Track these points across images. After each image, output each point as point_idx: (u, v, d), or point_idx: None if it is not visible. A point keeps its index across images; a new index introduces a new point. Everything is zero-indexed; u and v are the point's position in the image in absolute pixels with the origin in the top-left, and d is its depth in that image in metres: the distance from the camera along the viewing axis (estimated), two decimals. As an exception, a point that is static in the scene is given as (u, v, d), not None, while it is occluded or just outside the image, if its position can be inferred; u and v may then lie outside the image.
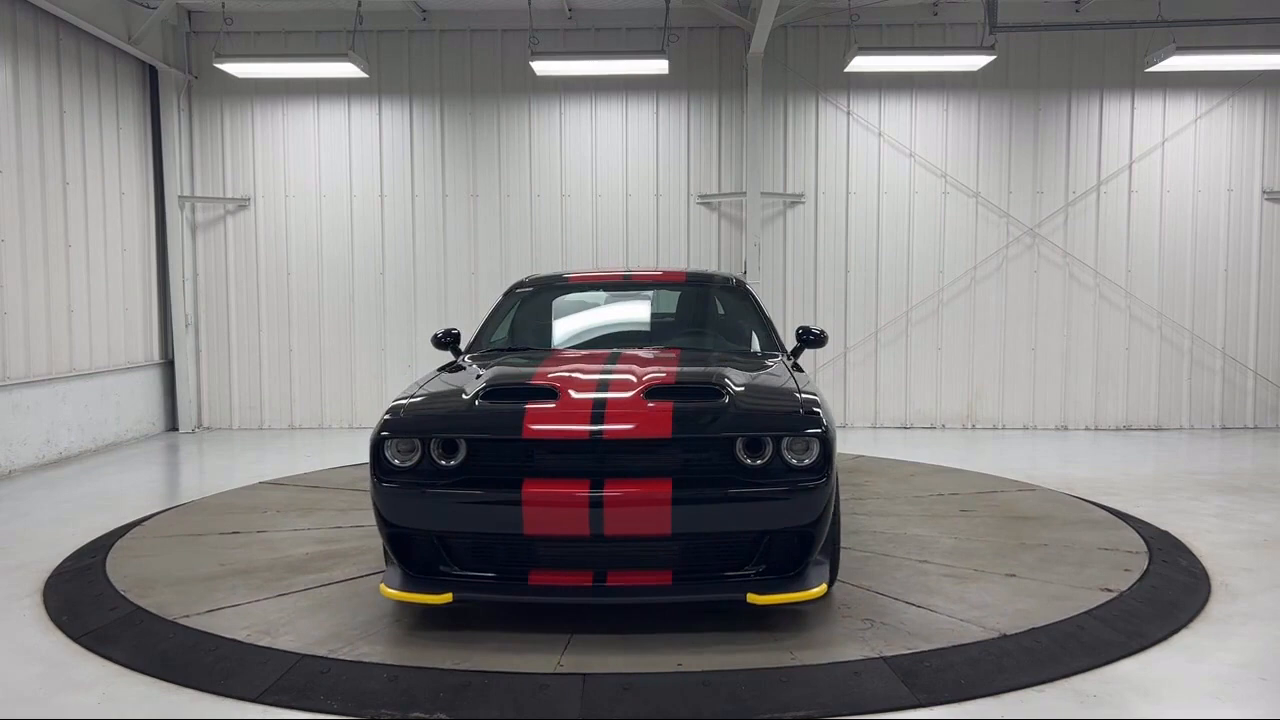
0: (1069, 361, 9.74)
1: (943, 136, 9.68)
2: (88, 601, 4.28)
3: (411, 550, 3.76)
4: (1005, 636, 3.77)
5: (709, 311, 5.62)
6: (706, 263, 9.76)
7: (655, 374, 4.10)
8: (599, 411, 3.74)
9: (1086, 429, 9.71)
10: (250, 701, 3.27)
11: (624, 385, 3.96)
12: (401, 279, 9.83)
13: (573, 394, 3.89)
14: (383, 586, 3.77)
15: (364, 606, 4.11)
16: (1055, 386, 9.73)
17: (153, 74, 9.48)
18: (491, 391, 3.93)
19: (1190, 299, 9.71)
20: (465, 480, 3.69)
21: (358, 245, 9.83)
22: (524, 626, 3.84)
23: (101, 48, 8.67)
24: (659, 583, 3.69)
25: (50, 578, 4.67)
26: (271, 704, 3.24)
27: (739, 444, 3.68)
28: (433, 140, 9.76)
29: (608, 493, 3.56)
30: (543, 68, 8.59)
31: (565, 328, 5.51)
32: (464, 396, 3.94)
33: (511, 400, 3.87)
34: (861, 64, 8.62)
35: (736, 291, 5.66)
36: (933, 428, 9.74)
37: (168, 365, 9.76)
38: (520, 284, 5.70)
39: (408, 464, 3.73)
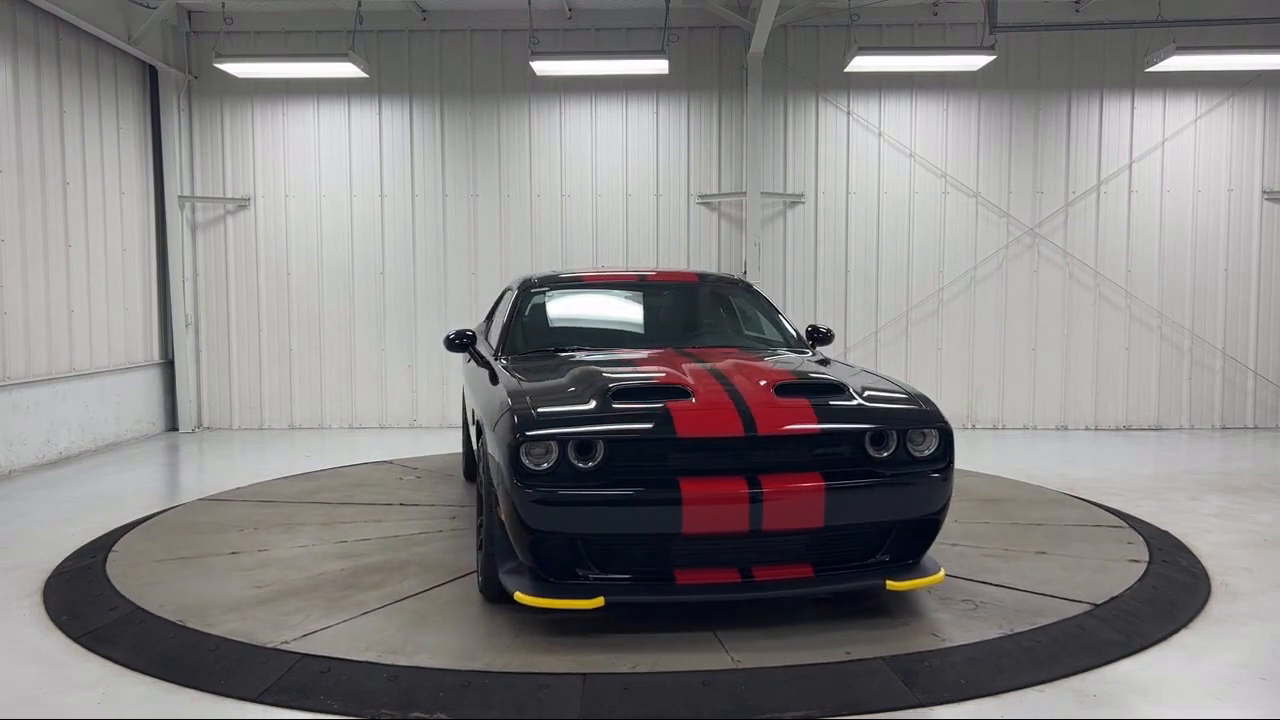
0: (1069, 361, 9.74)
1: (943, 136, 9.68)
2: (88, 601, 4.28)
3: (553, 555, 3.64)
4: (1096, 607, 4.09)
5: (730, 311, 5.73)
6: (707, 263, 9.76)
7: (758, 371, 4.23)
8: (744, 409, 3.77)
9: (1086, 429, 9.71)
10: (250, 701, 3.27)
11: (748, 382, 4.02)
12: (401, 279, 9.83)
13: (706, 392, 3.89)
14: (519, 594, 3.64)
15: (471, 618, 3.97)
16: (1055, 386, 9.73)
17: (153, 74, 9.48)
18: (621, 391, 3.85)
19: (1190, 299, 9.71)
20: (614, 481, 3.60)
21: (358, 245, 9.83)
22: (662, 625, 3.82)
23: (101, 48, 8.67)
24: (802, 575, 3.76)
25: (50, 578, 4.67)
26: (272, 704, 3.24)
27: (867, 437, 3.82)
28: (433, 140, 9.76)
29: (767, 488, 3.60)
30: (543, 68, 8.59)
31: (597, 327, 5.48)
32: (589, 397, 3.85)
33: (646, 399, 3.82)
34: (861, 64, 8.62)
35: (748, 292, 5.84)
36: (933, 428, 9.72)
37: (168, 365, 9.76)
38: (533, 283, 5.57)
39: (543, 467, 3.59)
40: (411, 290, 9.81)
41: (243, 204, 9.80)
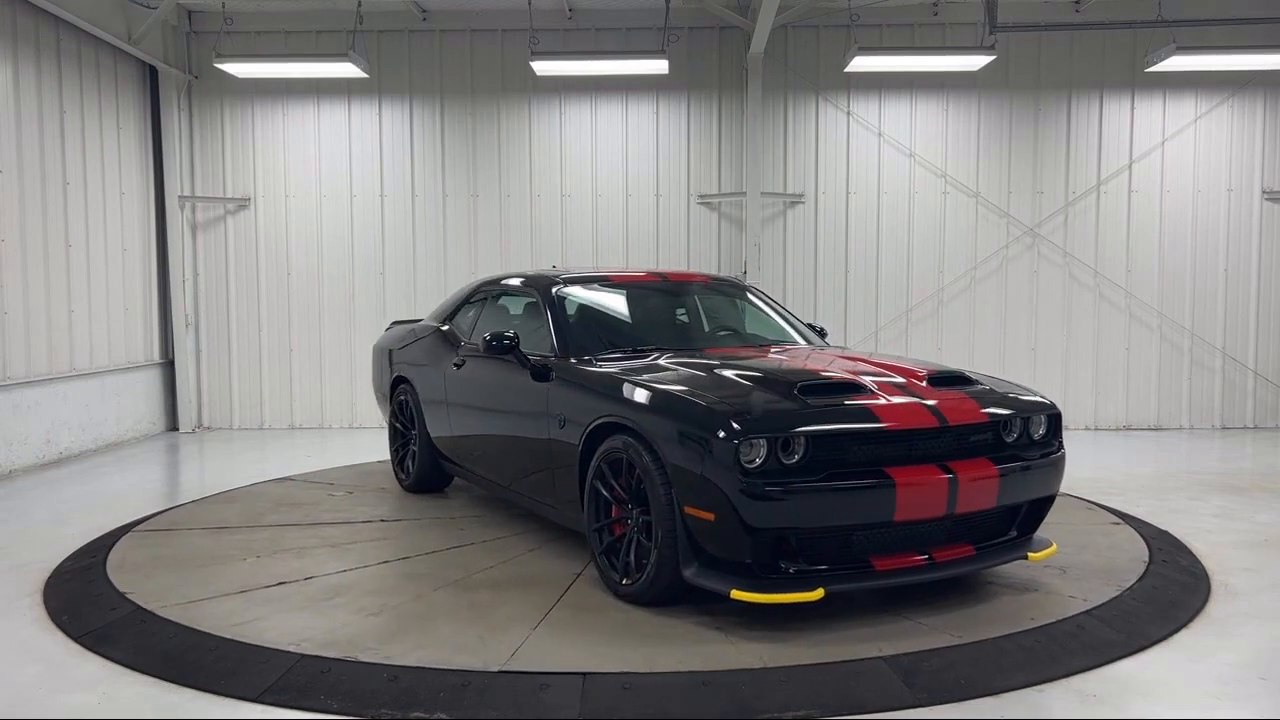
0: (1069, 361, 9.74)
1: (943, 136, 9.68)
2: (88, 601, 4.27)
3: (767, 551, 3.68)
4: (1150, 565, 4.66)
5: (755, 310, 5.88)
6: (707, 263, 9.76)
7: (892, 365, 4.52)
8: (929, 402, 4.02)
9: (1086, 429, 9.71)
10: (250, 701, 3.26)
11: (904, 377, 4.30)
12: (401, 279, 9.83)
13: (882, 387, 4.11)
14: (736, 592, 3.63)
15: (649, 621, 3.91)
16: (1055, 386, 9.72)
17: (153, 74, 9.48)
18: (807, 387, 4.00)
19: (1190, 299, 9.71)
20: (826, 475, 3.68)
21: (358, 245, 9.83)
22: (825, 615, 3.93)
23: (101, 48, 8.67)
24: (967, 555, 4.02)
25: (50, 578, 4.66)
26: (272, 704, 3.24)
27: (1002, 423, 4.12)
28: (433, 140, 9.76)
29: (960, 474, 3.83)
30: (543, 68, 8.59)
31: (648, 326, 5.47)
32: (778, 395, 3.96)
33: (837, 395, 3.99)
34: (861, 64, 8.62)
35: (756, 292, 6.05)
36: (933, 428, 9.73)
37: (168, 365, 9.76)
38: (556, 281, 5.47)
39: (755, 465, 3.64)
40: (412, 290, 9.81)
41: (243, 204, 9.80)
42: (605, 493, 4.26)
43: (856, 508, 3.71)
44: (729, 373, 4.36)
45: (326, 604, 4.16)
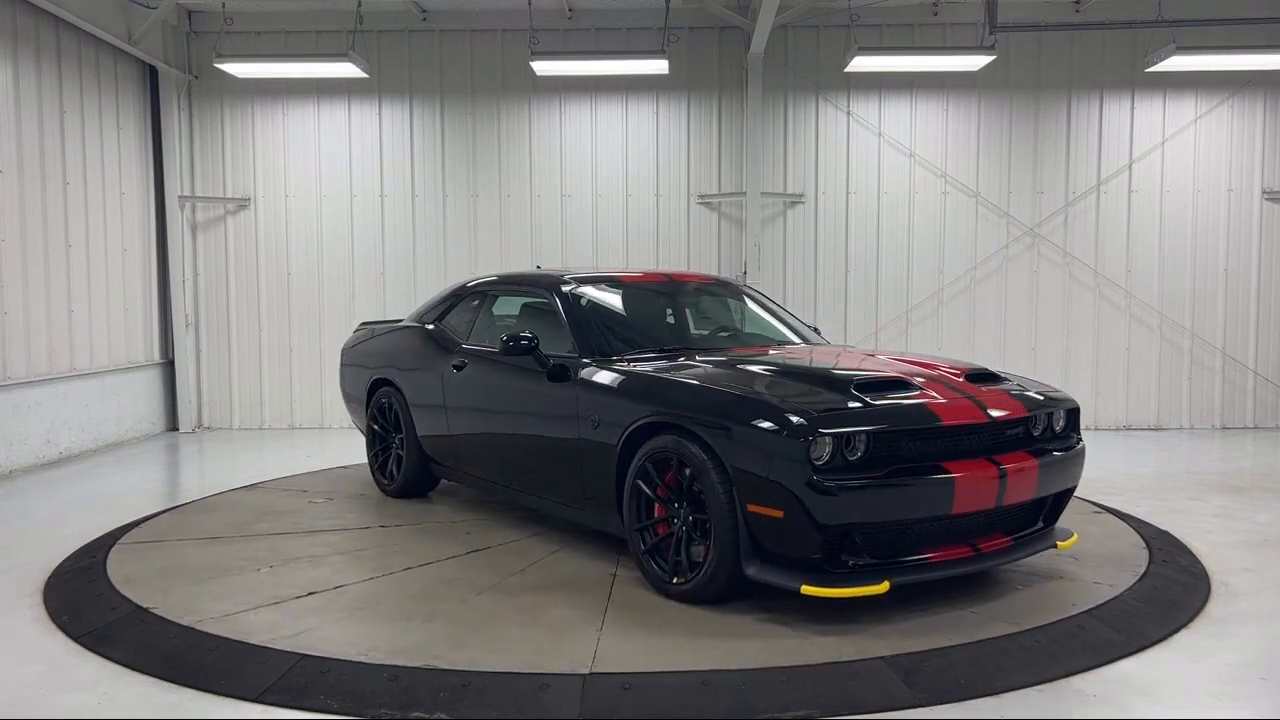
0: (1069, 361, 9.74)
1: (943, 136, 9.68)
2: (88, 601, 4.27)
3: (833, 546, 3.72)
4: (1152, 559, 4.76)
5: (758, 310, 5.94)
6: (707, 263, 9.76)
7: (927, 363, 4.61)
8: (973, 397, 4.12)
9: (1086, 429, 9.70)
10: (250, 701, 3.27)
11: (945, 373, 4.40)
12: (401, 279, 9.83)
13: (930, 384, 4.20)
14: (806, 587, 3.68)
15: (707, 618, 3.90)
16: (1055, 386, 9.72)
17: (153, 74, 9.48)
18: (862, 385, 4.07)
19: (1190, 299, 9.71)
20: (889, 471, 3.75)
21: (358, 245, 9.83)
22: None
23: (101, 48, 8.67)
24: (1005, 546, 4.14)
25: (50, 578, 4.66)
26: (272, 704, 3.24)
27: (1031, 419, 4.23)
28: (433, 140, 9.76)
29: (1008, 467, 3.95)
30: (543, 68, 8.60)
31: (663, 327, 5.48)
32: (836, 393, 4.01)
33: (889, 392, 4.05)
34: (861, 64, 8.62)
35: (755, 293, 6.14)
36: (933, 428, 9.73)
37: (168, 365, 9.76)
38: (566, 280, 5.41)
39: (823, 462, 3.67)
40: (412, 290, 9.81)
41: (243, 204, 9.80)
42: (649, 492, 4.24)
43: (920, 502, 3.79)
44: (772, 371, 4.42)
45: (370, 612, 4.05)
